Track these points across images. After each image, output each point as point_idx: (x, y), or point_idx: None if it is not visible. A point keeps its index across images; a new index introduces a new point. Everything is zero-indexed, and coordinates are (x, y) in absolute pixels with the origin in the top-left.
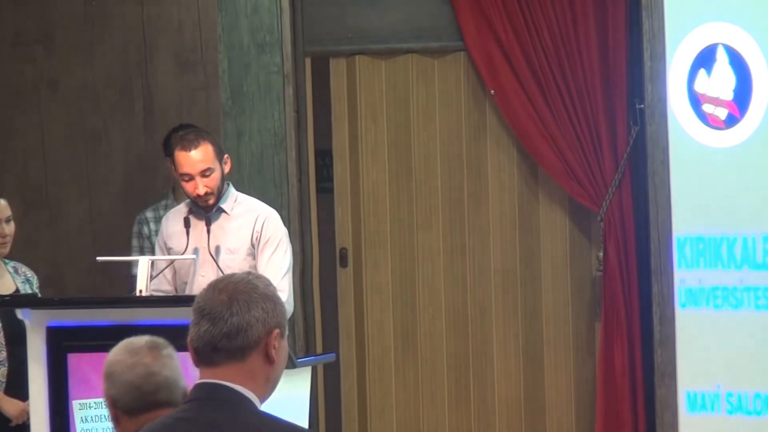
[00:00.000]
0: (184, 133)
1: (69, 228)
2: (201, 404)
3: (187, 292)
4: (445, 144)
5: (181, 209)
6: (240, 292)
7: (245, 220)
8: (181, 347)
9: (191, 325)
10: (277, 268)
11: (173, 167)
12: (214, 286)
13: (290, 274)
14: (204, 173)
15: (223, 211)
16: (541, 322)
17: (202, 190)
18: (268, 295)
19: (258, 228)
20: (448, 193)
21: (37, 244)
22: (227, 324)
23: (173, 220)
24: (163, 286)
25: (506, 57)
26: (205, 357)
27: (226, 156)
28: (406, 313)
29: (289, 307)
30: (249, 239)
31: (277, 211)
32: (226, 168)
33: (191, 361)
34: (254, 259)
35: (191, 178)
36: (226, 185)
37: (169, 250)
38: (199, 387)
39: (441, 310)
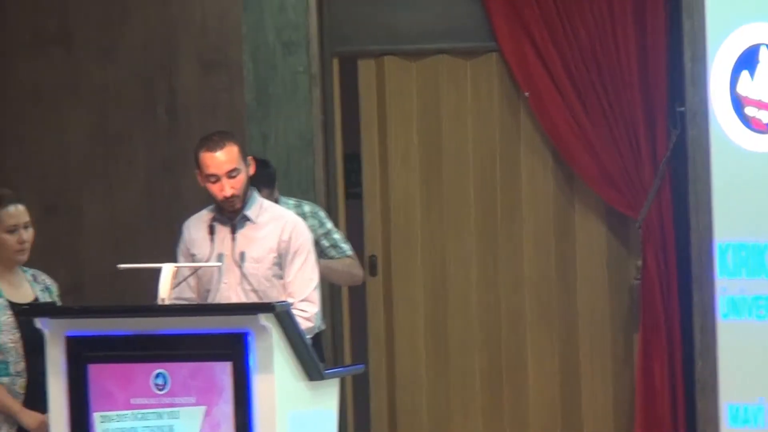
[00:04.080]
0: (208, 135)
1: (90, 234)
2: None
3: (209, 301)
4: (478, 148)
5: (203, 216)
6: None
7: (272, 228)
8: (200, 357)
9: None
10: (308, 280)
11: (198, 171)
12: None
13: (319, 286)
14: (230, 174)
15: (248, 218)
16: (577, 332)
17: (228, 192)
18: None
19: (285, 237)
20: (481, 198)
21: (56, 250)
22: None
23: (195, 226)
24: (185, 294)
25: (541, 58)
26: None
27: (249, 158)
28: (437, 322)
29: (318, 320)
30: (276, 248)
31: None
32: (251, 170)
33: None
34: (280, 268)
35: (218, 179)
36: (250, 191)
37: (192, 257)
38: None
39: (473, 320)
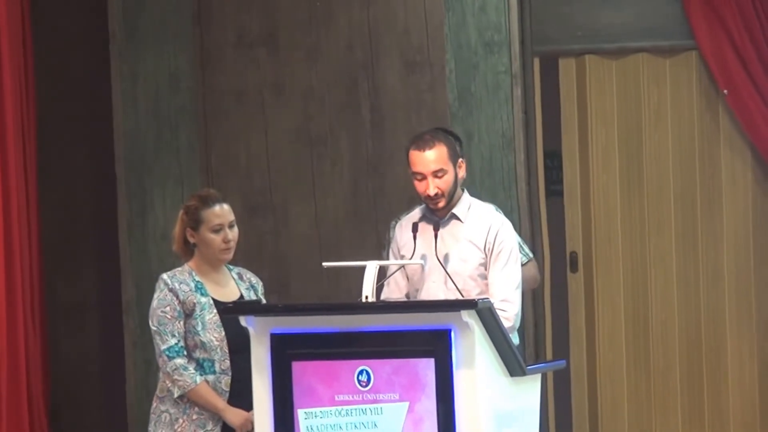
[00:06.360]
0: (421, 133)
1: (294, 233)
2: None
3: (417, 299)
4: (677, 146)
5: (414, 215)
6: None
7: (478, 228)
8: (403, 354)
9: None
10: (509, 280)
11: (409, 167)
12: None
13: (521, 287)
14: (436, 174)
15: (456, 217)
16: None
17: (432, 191)
18: None
19: (491, 238)
20: (680, 195)
21: (261, 249)
22: None
23: (405, 226)
24: (393, 295)
25: (739, 56)
26: None
27: (460, 160)
28: (638, 318)
29: (518, 320)
30: (482, 248)
31: (505, 215)
32: (461, 172)
33: None
34: (486, 269)
35: (423, 177)
36: (460, 191)
37: (402, 257)
38: None
39: (674, 316)
